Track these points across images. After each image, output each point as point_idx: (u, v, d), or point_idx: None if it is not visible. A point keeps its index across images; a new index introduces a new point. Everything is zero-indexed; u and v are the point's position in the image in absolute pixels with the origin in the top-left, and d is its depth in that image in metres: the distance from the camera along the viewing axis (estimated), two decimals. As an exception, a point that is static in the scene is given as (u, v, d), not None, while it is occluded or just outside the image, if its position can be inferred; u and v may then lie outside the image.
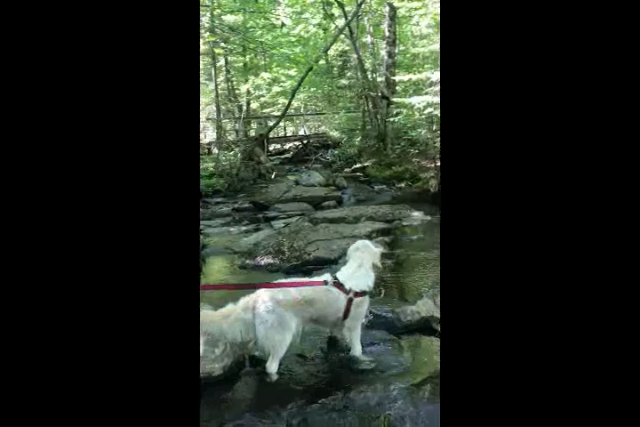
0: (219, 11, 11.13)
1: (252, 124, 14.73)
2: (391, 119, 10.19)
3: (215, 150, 11.77)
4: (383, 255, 3.02)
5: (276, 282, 2.59)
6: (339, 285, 2.50)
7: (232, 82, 13.92)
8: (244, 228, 6.48)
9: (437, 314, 2.91)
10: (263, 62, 14.68)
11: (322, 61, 13.68)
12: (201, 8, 10.08)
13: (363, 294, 2.53)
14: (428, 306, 2.99)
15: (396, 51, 11.39)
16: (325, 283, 2.51)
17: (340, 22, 11.83)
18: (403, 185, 9.00)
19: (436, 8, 7.65)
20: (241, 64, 14.49)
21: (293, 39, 14.47)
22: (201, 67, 13.14)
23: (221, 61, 13.40)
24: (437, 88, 6.99)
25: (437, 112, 7.31)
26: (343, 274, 2.58)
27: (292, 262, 4.46)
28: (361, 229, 5.32)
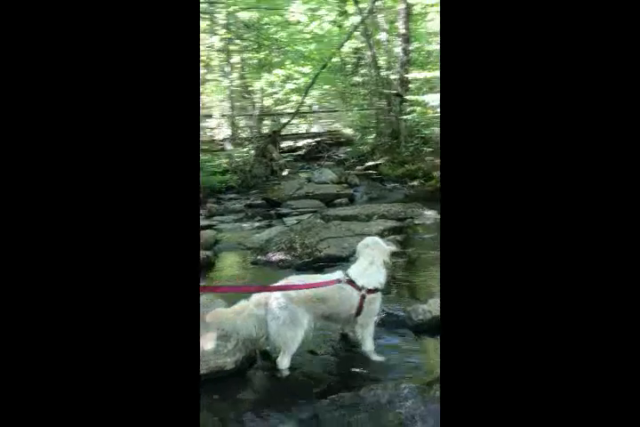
0: (234, 8, 11.13)
1: (266, 121, 14.74)
2: (404, 117, 10.11)
3: (229, 147, 11.81)
4: (395, 254, 3.00)
5: (288, 284, 2.50)
6: (351, 282, 2.50)
7: (246, 79, 13.94)
8: (256, 224, 6.50)
9: (449, 313, 2.90)
10: (277, 59, 14.67)
11: (336, 59, 13.63)
12: (217, 5, 10.12)
13: (375, 290, 2.53)
14: (439, 305, 2.98)
15: (411, 48, 11.28)
16: (339, 281, 2.50)
17: (355, 19, 11.76)
18: (415, 183, 8.92)
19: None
20: (255, 61, 14.50)
21: (308, 36, 14.43)
22: (216, 64, 13.17)
23: (235, 58, 13.41)
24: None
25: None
26: (354, 271, 2.57)
27: (303, 259, 4.47)
28: (373, 228, 5.30)
